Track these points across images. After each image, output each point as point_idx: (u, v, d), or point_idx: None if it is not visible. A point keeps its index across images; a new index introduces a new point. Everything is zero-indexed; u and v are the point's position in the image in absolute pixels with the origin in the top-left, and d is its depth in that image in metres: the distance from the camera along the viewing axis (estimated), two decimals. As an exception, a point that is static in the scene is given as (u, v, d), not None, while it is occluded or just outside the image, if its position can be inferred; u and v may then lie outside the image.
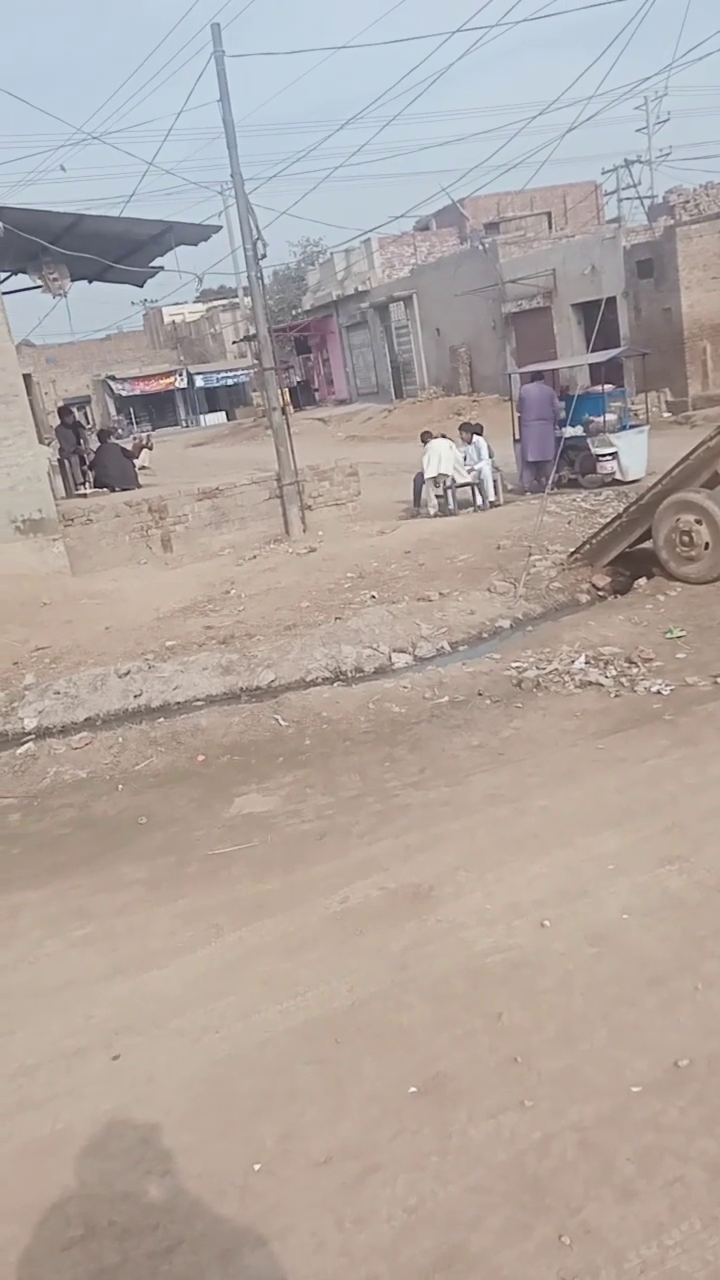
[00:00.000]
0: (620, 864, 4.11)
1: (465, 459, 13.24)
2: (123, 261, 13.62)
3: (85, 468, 15.39)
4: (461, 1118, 2.87)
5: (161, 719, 6.99)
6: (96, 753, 6.46)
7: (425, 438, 14.03)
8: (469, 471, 13.19)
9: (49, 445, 15.46)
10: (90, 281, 14.56)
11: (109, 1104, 3.17)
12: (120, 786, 5.95)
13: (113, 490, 14.25)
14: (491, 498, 13.28)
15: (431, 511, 13.22)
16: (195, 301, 54.29)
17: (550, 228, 31.58)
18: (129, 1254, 2.59)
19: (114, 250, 13.28)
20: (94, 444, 16.67)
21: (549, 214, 33.52)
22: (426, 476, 13.07)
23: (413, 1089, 3.02)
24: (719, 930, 3.56)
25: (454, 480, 13.07)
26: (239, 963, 3.84)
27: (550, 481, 11.86)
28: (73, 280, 13.13)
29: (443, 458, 13.00)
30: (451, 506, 13.09)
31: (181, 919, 4.23)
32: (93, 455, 15.49)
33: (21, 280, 13.54)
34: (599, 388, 14.89)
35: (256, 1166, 2.82)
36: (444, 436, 13.61)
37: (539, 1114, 2.84)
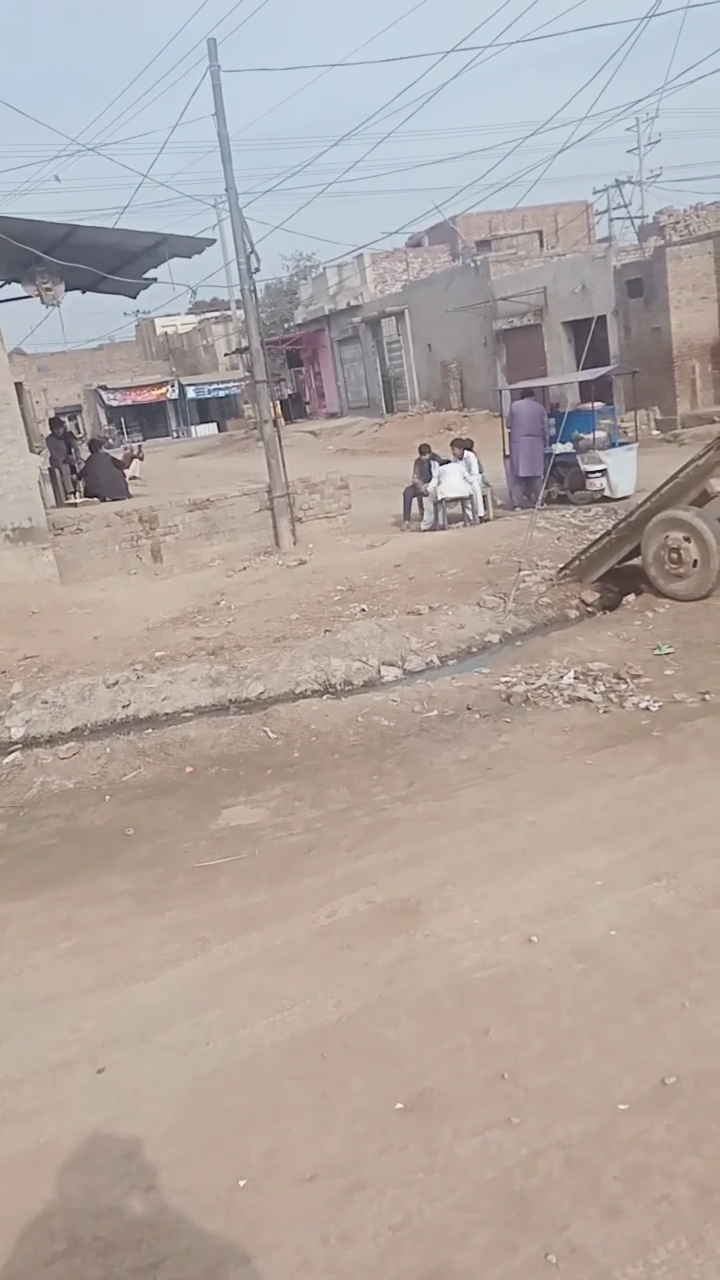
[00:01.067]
0: (608, 880, 4.12)
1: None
2: (116, 273, 13.65)
3: (75, 477, 15.38)
4: (448, 1134, 2.86)
5: (150, 730, 6.97)
6: (84, 763, 6.43)
7: (423, 450, 14.10)
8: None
9: (39, 454, 15.44)
10: (84, 292, 14.58)
11: (94, 1118, 3.15)
12: (108, 797, 5.93)
13: (103, 500, 14.24)
14: (481, 513, 13.34)
15: (422, 526, 13.27)
16: (188, 313, 54.41)
17: (541, 246, 31.89)
18: (112, 1270, 2.57)
19: (108, 261, 13.31)
20: (85, 453, 16.65)
21: (540, 233, 33.85)
22: (442, 497, 13.09)
23: (399, 1105, 3.01)
24: (706, 947, 3.57)
25: (446, 496, 13.13)
26: (226, 976, 3.83)
27: (540, 497, 11.92)
28: (66, 290, 13.16)
29: (451, 479, 13.06)
30: (441, 521, 13.14)
31: (168, 931, 4.22)
32: (83, 465, 15.48)
33: (14, 289, 13.55)
34: (589, 405, 14.99)
35: (241, 1182, 2.80)
36: (451, 457, 13.61)
37: (526, 1131, 2.84)
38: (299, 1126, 2.99)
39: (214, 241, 13.74)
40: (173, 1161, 2.92)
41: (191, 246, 13.34)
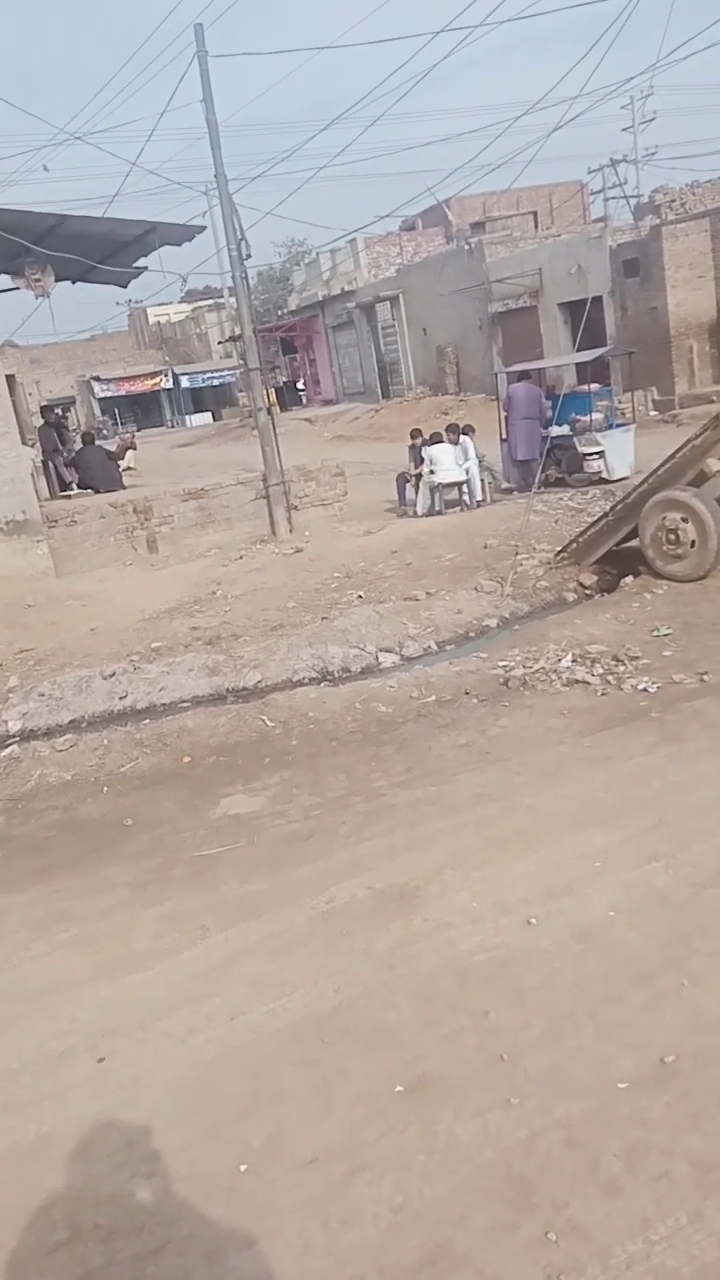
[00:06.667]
0: (607, 861, 4.11)
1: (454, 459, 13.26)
2: (106, 262, 13.58)
3: (70, 468, 15.33)
4: (448, 1116, 2.87)
5: (147, 720, 6.97)
6: (81, 755, 6.43)
7: (415, 434, 14.03)
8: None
9: (32, 446, 15.38)
10: (74, 282, 14.51)
11: (94, 1107, 3.15)
12: (105, 789, 5.92)
13: (97, 491, 14.20)
14: (479, 497, 13.30)
15: (419, 511, 13.23)
16: (180, 302, 54.15)
17: (536, 227, 31.69)
18: (114, 1256, 2.58)
19: (97, 251, 13.24)
20: (77, 444, 16.58)
21: (535, 213, 33.66)
22: (439, 483, 13.04)
23: (399, 1088, 3.01)
24: (705, 927, 3.57)
25: (442, 481, 13.08)
26: (225, 964, 3.83)
27: (537, 480, 11.88)
28: (56, 281, 13.08)
29: (445, 463, 13.00)
30: (438, 506, 13.10)
31: (167, 921, 4.22)
32: (74, 455, 15.42)
33: (3, 281, 13.49)
34: (585, 387, 14.93)
35: (243, 1168, 2.81)
36: (436, 437, 13.55)
37: (525, 1112, 2.84)
38: (299, 1111, 2.99)
39: (204, 229, 13.67)
40: (174, 1148, 2.93)
41: (181, 234, 13.26)
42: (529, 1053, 3.08)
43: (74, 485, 14.88)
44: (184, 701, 7.43)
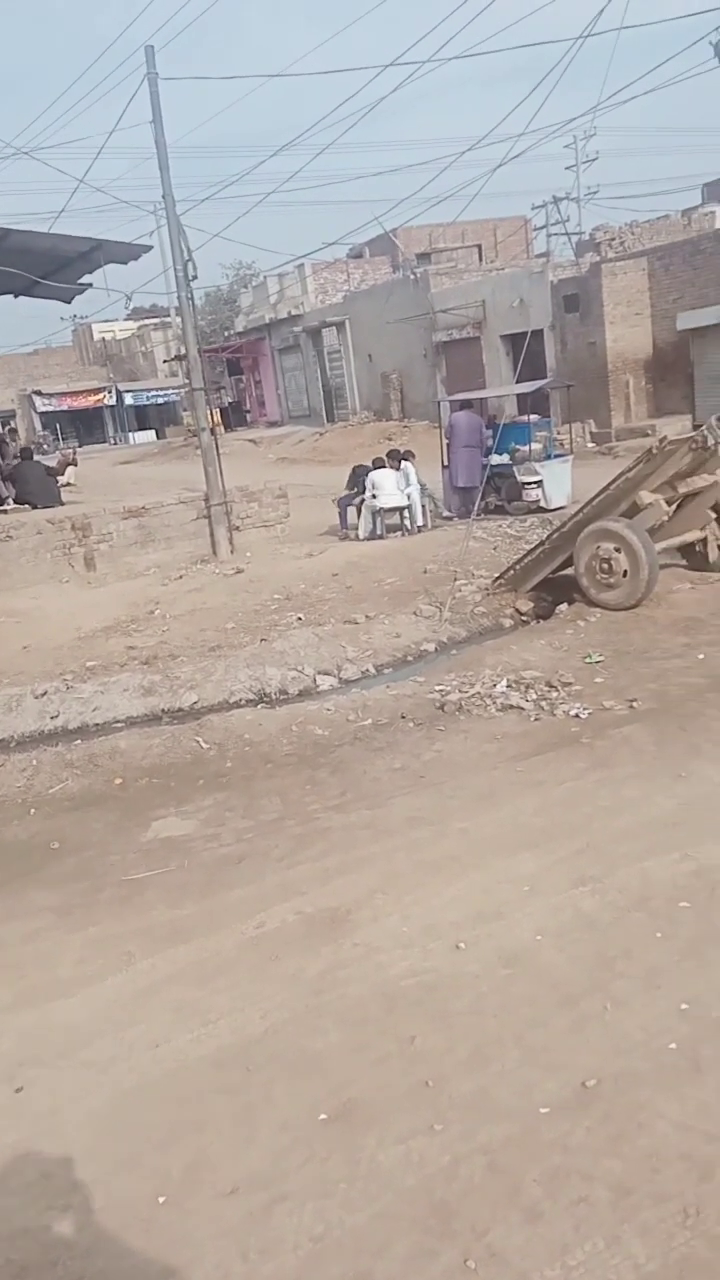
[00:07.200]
0: (536, 885, 4.16)
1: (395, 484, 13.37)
2: (50, 277, 13.48)
3: (7, 482, 15.09)
4: (371, 1143, 2.85)
5: (79, 741, 6.85)
6: (9, 775, 6.29)
7: (357, 470, 14.08)
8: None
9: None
10: (16, 296, 14.37)
11: (10, 1138, 3.07)
12: (33, 810, 5.80)
13: (35, 507, 13.99)
14: (420, 522, 13.43)
15: (361, 535, 13.30)
16: (126, 319, 53.90)
17: (481, 260, 32.30)
18: (25, 1295, 2.50)
19: (41, 266, 13.13)
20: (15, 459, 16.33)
21: (479, 246, 34.28)
22: (381, 507, 13.12)
23: (323, 1116, 2.99)
24: (629, 950, 3.62)
25: (384, 506, 13.18)
26: (150, 991, 3.77)
27: (477, 508, 12.04)
28: (-1, 294, 12.94)
29: (388, 488, 13.09)
30: (380, 531, 13.19)
31: (92, 946, 4.14)
32: (11, 470, 15.18)
33: (-55, 292, 13.29)
34: (525, 417, 15.22)
35: (161, 1199, 2.76)
36: (377, 462, 13.65)
37: (449, 1137, 2.84)
38: (221, 1140, 2.95)
39: (150, 249, 13.62)
40: (91, 1180, 2.86)
41: (127, 253, 13.23)
42: (454, 1078, 3.08)
43: (10, 500, 14.64)
44: (118, 722, 7.33)
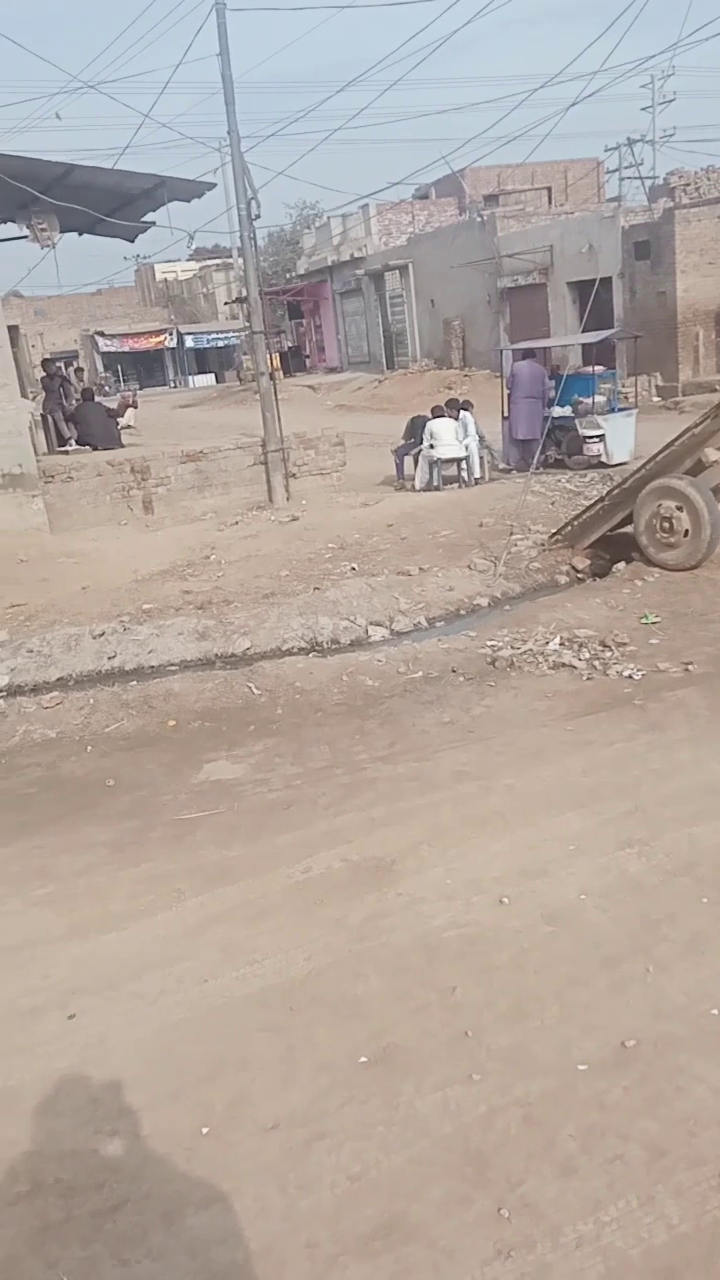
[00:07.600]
0: (581, 845, 4.15)
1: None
2: (114, 215, 13.39)
3: (69, 423, 15.21)
4: (409, 1089, 2.91)
5: (134, 682, 6.96)
6: (67, 713, 6.43)
7: (415, 421, 13.85)
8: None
9: (33, 399, 15.24)
10: (80, 234, 14.31)
11: (62, 1063, 3.19)
12: (89, 748, 5.93)
13: (95, 449, 14.09)
14: (477, 474, 13.25)
15: (417, 486, 13.18)
16: (188, 260, 53.47)
17: (550, 203, 31.34)
18: (73, 1211, 2.61)
19: (105, 203, 13.04)
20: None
21: (549, 189, 33.24)
22: (438, 458, 12.95)
23: (363, 1059, 3.05)
24: (673, 914, 3.61)
25: (441, 456, 13.01)
26: (199, 928, 3.86)
27: (536, 461, 11.83)
28: (62, 232, 12.91)
29: (445, 438, 12.89)
30: (436, 482, 13.05)
31: (143, 883, 4.24)
32: (73, 412, 15.28)
33: (10, 229, 13.29)
34: (590, 369, 14.85)
35: (205, 1130, 2.85)
36: (436, 411, 13.43)
37: (486, 1088, 2.88)
38: (263, 1077, 3.03)
39: (214, 186, 13.44)
40: (138, 1107, 2.96)
41: (190, 190, 13.07)
42: (493, 1030, 3.12)
43: (72, 441, 14.77)
44: (172, 665, 7.43)
